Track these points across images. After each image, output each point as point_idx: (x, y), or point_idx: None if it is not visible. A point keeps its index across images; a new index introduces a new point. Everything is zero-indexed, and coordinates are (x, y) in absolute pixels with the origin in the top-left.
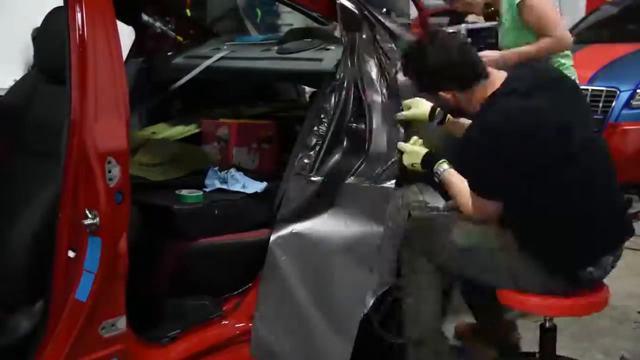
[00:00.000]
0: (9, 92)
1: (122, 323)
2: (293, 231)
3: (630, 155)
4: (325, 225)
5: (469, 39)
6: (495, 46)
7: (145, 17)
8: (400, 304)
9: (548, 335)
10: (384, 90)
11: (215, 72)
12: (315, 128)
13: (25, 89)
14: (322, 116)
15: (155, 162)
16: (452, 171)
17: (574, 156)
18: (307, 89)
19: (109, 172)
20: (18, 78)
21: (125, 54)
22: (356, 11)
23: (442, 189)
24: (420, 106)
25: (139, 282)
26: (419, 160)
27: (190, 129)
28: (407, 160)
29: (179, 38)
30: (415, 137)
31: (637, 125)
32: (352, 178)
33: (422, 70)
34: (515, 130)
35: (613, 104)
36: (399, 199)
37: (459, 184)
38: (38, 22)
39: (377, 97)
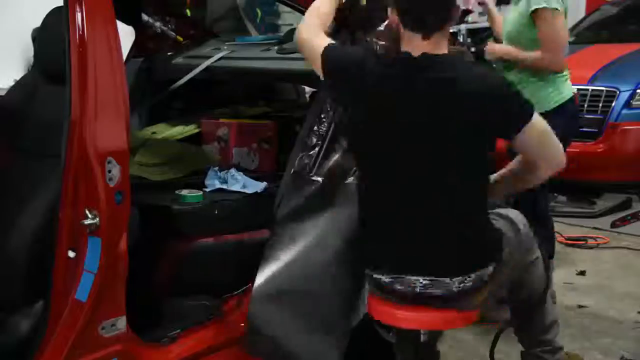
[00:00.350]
0: (9, 92)
1: (122, 323)
2: (291, 231)
3: (630, 155)
4: (323, 225)
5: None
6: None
7: (145, 17)
8: None
9: (426, 350)
10: None
11: (215, 72)
12: (315, 128)
13: (25, 89)
14: (322, 116)
15: (155, 162)
16: None
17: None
18: (307, 89)
19: (109, 172)
20: (18, 78)
21: (125, 54)
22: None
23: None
24: None
25: (139, 282)
26: None
27: (190, 129)
28: None
29: (179, 38)
30: None
31: (637, 126)
32: (351, 178)
33: None
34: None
35: (613, 104)
36: None
37: None
38: (38, 22)
39: None
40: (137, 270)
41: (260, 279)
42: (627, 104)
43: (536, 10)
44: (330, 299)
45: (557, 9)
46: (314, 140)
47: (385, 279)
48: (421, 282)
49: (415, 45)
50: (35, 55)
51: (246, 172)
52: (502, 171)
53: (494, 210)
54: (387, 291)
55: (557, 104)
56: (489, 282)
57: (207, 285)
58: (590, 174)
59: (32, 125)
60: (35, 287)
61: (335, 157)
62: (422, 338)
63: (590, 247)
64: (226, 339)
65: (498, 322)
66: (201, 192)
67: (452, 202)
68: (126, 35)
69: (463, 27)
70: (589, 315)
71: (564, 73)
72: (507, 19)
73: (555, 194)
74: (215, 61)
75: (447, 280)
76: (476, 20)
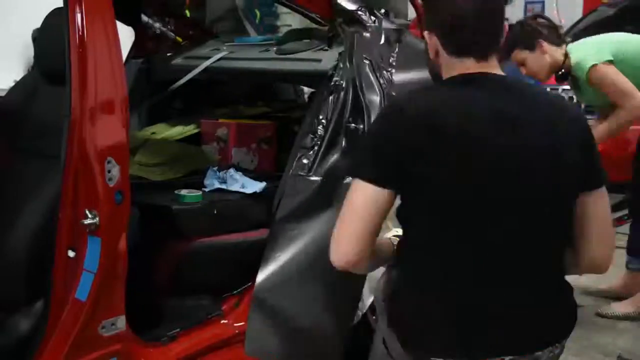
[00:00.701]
0: (9, 92)
1: (121, 322)
2: (290, 232)
3: (629, 155)
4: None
5: None
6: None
7: (144, 18)
8: None
9: None
10: (382, 90)
11: (215, 73)
12: (314, 128)
13: (25, 90)
14: (321, 116)
15: (155, 162)
16: None
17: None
18: (306, 89)
19: (109, 172)
20: (18, 78)
21: (124, 54)
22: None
23: None
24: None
25: (138, 282)
26: None
27: (190, 129)
28: None
29: (179, 39)
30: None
31: (635, 125)
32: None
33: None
34: None
35: None
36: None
37: None
38: (38, 23)
39: (375, 97)
40: (137, 270)
41: (259, 279)
42: None
43: (589, 71)
44: (329, 299)
45: (606, 60)
46: (313, 140)
47: None
48: None
49: (468, 68)
50: (35, 56)
51: (245, 172)
52: None
53: None
54: None
55: None
56: None
57: (207, 285)
58: None
59: (32, 125)
60: (35, 287)
61: (335, 157)
62: None
63: None
64: (226, 338)
65: None
66: (200, 192)
67: (553, 262)
68: (126, 35)
69: None
70: (589, 315)
71: None
72: (579, 91)
73: None
74: (215, 62)
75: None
76: None
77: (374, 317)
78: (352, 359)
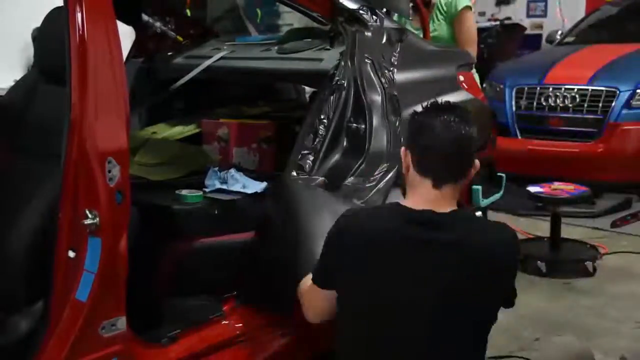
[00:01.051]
0: (9, 92)
1: (122, 323)
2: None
3: (629, 155)
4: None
5: None
6: (495, 46)
7: (145, 17)
8: None
9: None
10: (383, 90)
11: (215, 72)
12: (315, 128)
13: (25, 89)
14: (322, 116)
15: (156, 162)
16: None
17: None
18: (307, 89)
19: (109, 172)
20: (18, 78)
21: (125, 54)
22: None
23: None
24: None
25: (139, 282)
26: None
27: (191, 129)
28: None
29: (179, 38)
30: None
31: (637, 125)
32: (351, 178)
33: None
34: None
35: (613, 104)
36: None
37: None
38: (38, 22)
39: (376, 97)
40: (137, 270)
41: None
42: (627, 104)
43: (461, 10)
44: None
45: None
46: (314, 140)
47: None
48: None
49: (423, 192)
50: (35, 55)
51: (246, 172)
52: None
53: None
54: None
55: None
56: None
57: (207, 285)
58: (590, 174)
59: (32, 125)
60: (35, 287)
61: (335, 157)
62: None
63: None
64: (227, 339)
65: None
66: (201, 192)
67: None
68: (126, 35)
69: None
70: (589, 315)
71: None
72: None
73: None
74: (215, 61)
75: None
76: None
77: None
78: None
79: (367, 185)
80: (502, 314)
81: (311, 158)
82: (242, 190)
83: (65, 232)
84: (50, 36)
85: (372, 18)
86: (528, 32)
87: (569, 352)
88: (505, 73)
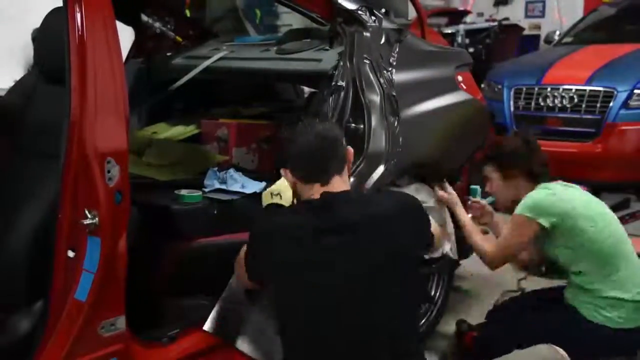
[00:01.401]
0: (8, 92)
1: (121, 323)
2: None
3: (627, 155)
4: None
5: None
6: (493, 47)
7: (144, 18)
8: None
9: None
10: (382, 90)
11: (215, 73)
12: None
13: (25, 89)
14: (321, 117)
15: (164, 162)
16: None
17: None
18: (306, 89)
19: (109, 172)
20: (18, 78)
21: (124, 54)
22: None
23: None
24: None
25: (138, 282)
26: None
27: (191, 129)
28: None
29: (179, 38)
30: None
31: (635, 126)
32: (351, 179)
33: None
34: None
35: (611, 104)
36: None
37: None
38: (38, 22)
39: (375, 97)
40: (137, 269)
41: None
42: (625, 104)
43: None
44: None
45: (528, 216)
46: None
47: None
48: None
49: (314, 193)
50: (35, 56)
51: (245, 172)
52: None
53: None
54: None
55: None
56: None
57: (207, 285)
58: (588, 174)
59: (32, 125)
60: (35, 287)
61: None
62: None
63: None
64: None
65: None
66: (200, 192)
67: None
68: (126, 35)
69: (461, 27)
70: None
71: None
72: None
73: None
74: (215, 61)
75: None
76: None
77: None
78: None
79: None
80: None
81: None
82: (241, 190)
83: (64, 232)
84: (50, 36)
85: (371, 18)
86: (526, 32)
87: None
88: (504, 73)
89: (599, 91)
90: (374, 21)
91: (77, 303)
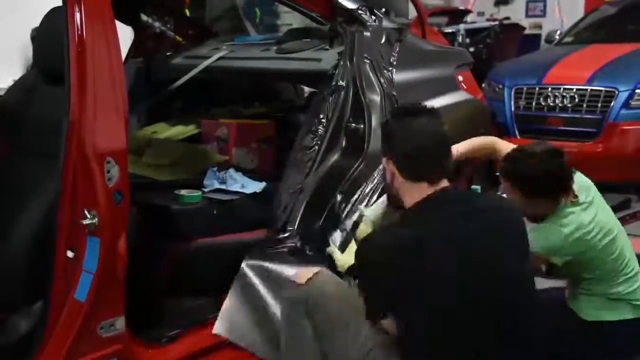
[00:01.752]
0: (8, 91)
1: (121, 323)
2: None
3: (628, 155)
4: None
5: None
6: (494, 46)
7: (144, 17)
8: None
9: None
10: (382, 89)
11: (215, 72)
12: (314, 128)
13: (24, 89)
14: (321, 116)
15: (165, 162)
16: None
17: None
18: (306, 88)
19: (108, 172)
20: (17, 77)
21: (124, 54)
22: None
23: None
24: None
25: (138, 282)
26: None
27: (190, 129)
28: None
29: (178, 38)
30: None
31: (636, 125)
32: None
33: (389, 133)
34: None
35: (612, 103)
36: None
37: None
38: (37, 22)
39: (375, 97)
40: (136, 270)
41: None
42: (626, 104)
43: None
44: None
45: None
46: (313, 140)
47: None
48: None
49: (422, 194)
50: (34, 55)
51: (245, 172)
52: None
53: None
54: None
55: None
56: None
57: (206, 285)
58: (589, 174)
59: (32, 124)
60: (34, 287)
61: (335, 157)
62: None
63: None
64: (225, 338)
65: None
66: (200, 192)
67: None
68: (125, 35)
69: (462, 27)
70: None
71: None
72: None
73: None
74: (214, 61)
75: None
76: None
77: None
78: None
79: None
80: None
81: (310, 158)
82: (240, 190)
83: (64, 232)
84: (49, 36)
85: (371, 18)
86: (527, 32)
87: None
88: (504, 73)
89: (600, 91)
90: (374, 20)
91: (77, 303)
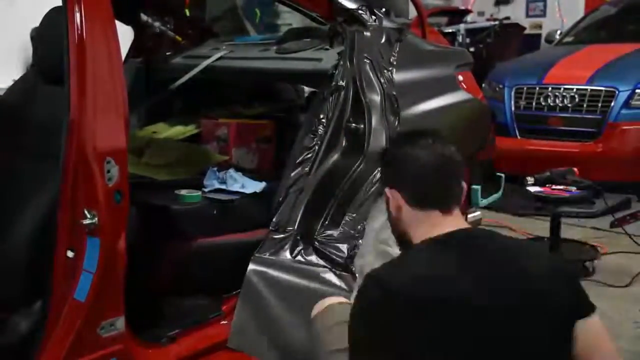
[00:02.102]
0: (7, 91)
1: (121, 323)
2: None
3: (629, 155)
4: None
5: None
6: (494, 46)
7: (144, 17)
8: None
9: None
10: (382, 89)
11: (214, 72)
12: (314, 128)
13: (24, 89)
14: (321, 116)
15: (164, 162)
16: None
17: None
18: (306, 89)
19: (108, 172)
20: (17, 77)
21: (124, 54)
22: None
23: None
24: None
25: (137, 282)
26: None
27: (191, 129)
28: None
29: (178, 38)
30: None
31: (636, 125)
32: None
33: (391, 160)
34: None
35: (612, 103)
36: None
37: None
38: (37, 22)
39: (375, 97)
40: (136, 270)
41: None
42: (626, 104)
43: None
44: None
45: None
46: (313, 140)
47: None
48: None
49: (435, 222)
50: (33, 55)
51: (245, 172)
52: None
53: None
54: None
55: None
56: None
57: (206, 285)
58: (589, 174)
59: (31, 124)
60: (34, 287)
61: (335, 157)
62: None
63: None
64: (225, 338)
65: None
66: (199, 192)
67: None
68: (125, 35)
69: (462, 27)
70: None
71: None
72: None
73: None
74: (214, 61)
75: None
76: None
77: None
78: None
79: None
80: None
81: (310, 158)
82: (240, 190)
83: (64, 232)
84: (49, 36)
85: (371, 18)
86: (527, 32)
87: None
88: (505, 73)
89: (601, 91)
90: (375, 20)
91: (77, 303)
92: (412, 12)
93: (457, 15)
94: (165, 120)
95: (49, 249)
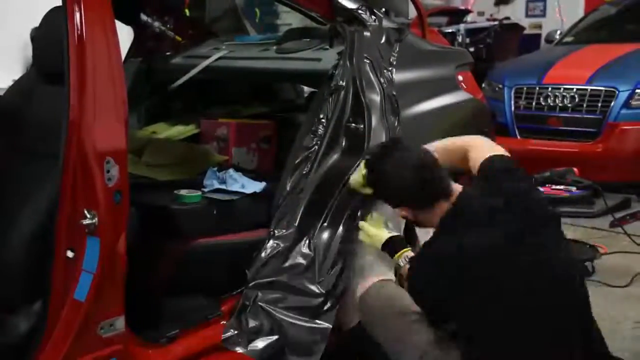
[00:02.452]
0: (7, 91)
1: (120, 323)
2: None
3: (629, 155)
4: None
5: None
6: (494, 46)
7: (144, 17)
8: None
9: None
10: (382, 89)
11: (214, 72)
12: (314, 128)
13: (24, 89)
14: (321, 116)
15: (164, 162)
16: None
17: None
18: (306, 89)
19: (108, 172)
20: (16, 77)
21: (124, 54)
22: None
23: (401, 282)
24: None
25: (137, 282)
26: (379, 245)
27: (191, 129)
28: (366, 240)
29: (178, 38)
30: (376, 214)
31: (636, 125)
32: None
33: (379, 189)
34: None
35: (612, 103)
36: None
37: None
38: (37, 22)
39: (375, 97)
40: (136, 270)
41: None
42: (626, 104)
43: None
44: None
45: None
46: (313, 140)
47: None
48: None
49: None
50: (33, 55)
51: (245, 172)
52: None
53: None
54: None
55: None
56: None
57: (206, 285)
58: (589, 173)
59: (31, 125)
60: (34, 287)
61: (334, 157)
62: None
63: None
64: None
65: None
66: (199, 192)
67: None
68: (125, 35)
69: (462, 27)
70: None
71: None
72: None
73: None
74: (214, 61)
75: None
76: (475, 20)
77: None
78: None
79: None
80: None
81: (310, 158)
82: (240, 190)
83: (63, 232)
84: (49, 36)
85: (371, 18)
86: (527, 32)
87: None
88: (504, 73)
89: (600, 91)
90: (374, 20)
91: (77, 303)
92: (412, 12)
93: (457, 15)
94: (165, 120)
95: (49, 249)
